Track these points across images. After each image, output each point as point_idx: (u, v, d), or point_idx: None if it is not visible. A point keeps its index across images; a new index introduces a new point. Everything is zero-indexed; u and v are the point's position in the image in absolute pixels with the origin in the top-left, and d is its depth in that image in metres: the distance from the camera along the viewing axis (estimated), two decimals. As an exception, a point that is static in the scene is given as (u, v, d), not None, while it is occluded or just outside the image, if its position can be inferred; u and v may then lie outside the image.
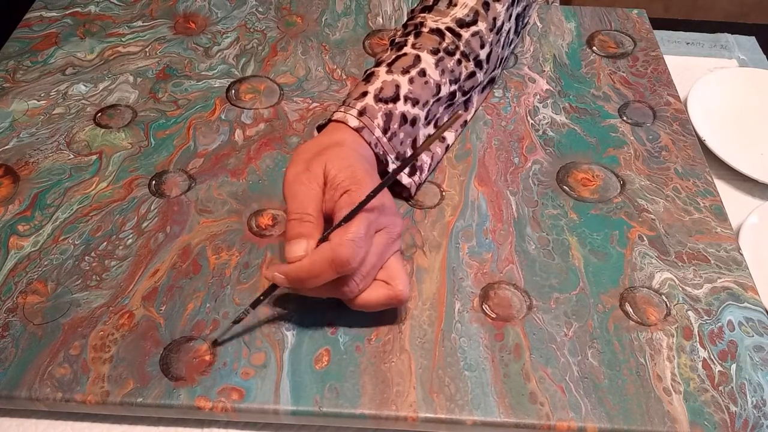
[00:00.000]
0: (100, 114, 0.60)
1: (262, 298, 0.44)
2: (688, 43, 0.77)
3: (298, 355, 0.44)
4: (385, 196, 0.45)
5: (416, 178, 0.53)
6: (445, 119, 0.58)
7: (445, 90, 0.54)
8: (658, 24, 0.75)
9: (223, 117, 0.60)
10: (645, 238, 0.52)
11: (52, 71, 0.63)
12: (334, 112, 0.51)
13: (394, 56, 0.54)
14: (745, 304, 0.48)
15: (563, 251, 0.51)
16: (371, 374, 0.44)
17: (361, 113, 0.50)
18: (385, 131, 0.50)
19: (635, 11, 0.73)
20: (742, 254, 0.51)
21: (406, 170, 0.52)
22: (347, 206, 0.42)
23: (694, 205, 0.54)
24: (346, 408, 0.42)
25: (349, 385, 0.43)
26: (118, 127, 0.59)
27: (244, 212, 0.53)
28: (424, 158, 0.54)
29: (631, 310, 0.48)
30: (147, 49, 0.66)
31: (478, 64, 0.57)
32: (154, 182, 0.54)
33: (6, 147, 0.57)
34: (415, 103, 0.52)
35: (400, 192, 0.54)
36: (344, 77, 0.64)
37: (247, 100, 0.61)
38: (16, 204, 0.53)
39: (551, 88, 0.64)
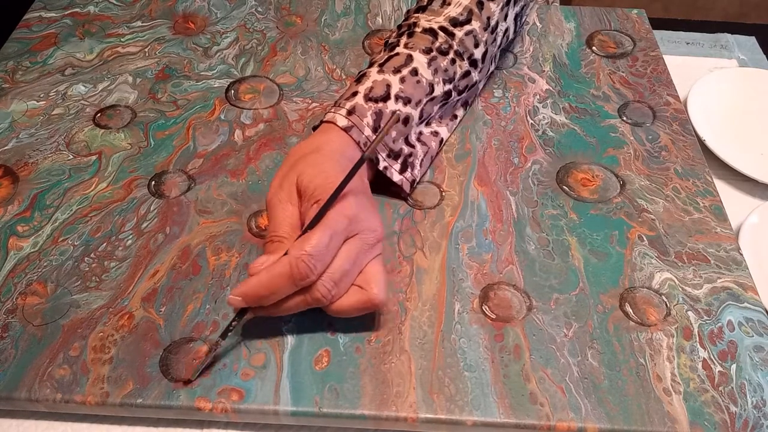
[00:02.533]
0: (99, 114, 0.60)
1: (231, 327, 0.43)
2: (688, 43, 0.77)
3: (298, 355, 0.44)
4: (361, 200, 0.44)
5: (408, 174, 0.53)
6: (440, 118, 0.57)
7: (438, 89, 0.54)
8: (658, 24, 0.75)
9: (222, 117, 0.60)
10: (645, 238, 0.52)
11: (51, 72, 0.63)
12: (325, 113, 0.51)
13: (386, 56, 0.54)
14: (745, 304, 0.48)
15: (563, 251, 0.51)
16: (371, 375, 0.44)
17: (350, 112, 0.50)
18: (375, 130, 0.50)
19: (635, 11, 0.73)
20: (741, 254, 0.51)
21: (397, 167, 0.52)
22: None
23: (693, 205, 0.54)
24: (346, 409, 0.42)
25: (349, 386, 0.43)
26: (117, 128, 0.59)
27: (244, 213, 0.53)
28: (418, 152, 0.54)
29: (631, 310, 0.48)
30: (146, 50, 0.66)
31: (473, 63, 0.57)
32: (153, 183, 0.54)
33: (5, 148, 0.57)
34: (407, 102, 0.52)
35: (398, 192, 0.53)
36: (344, 77, 0.64)
37: (247, 100, 0.61)
38: (15, 205, 0.53)
39: (551, 88, 0.63)
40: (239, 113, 0.60)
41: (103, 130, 0.58)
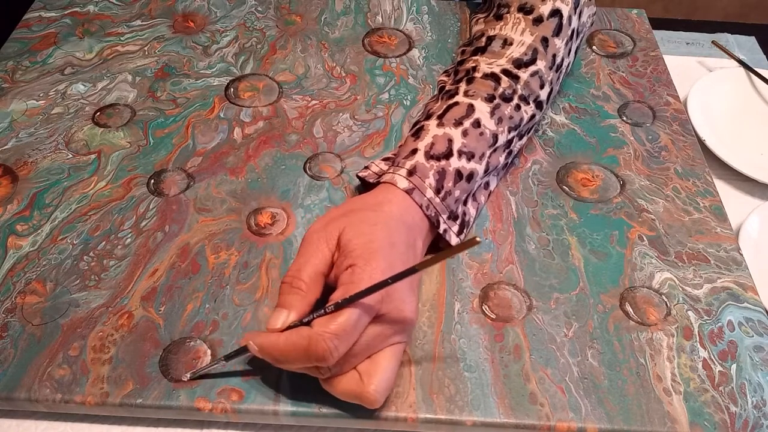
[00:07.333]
0: (98, 113, 0.60)
1: (237, 354, 0.42)
2: (688, 43, 0.77)
3: (298, 355, 0.44)
4: (402, 281, 0.39)
5: (463, 236, 0.50)
6: (503, 164, 0.54)
7: (502, 138, 0.51)
8: (658, 24, 0.75)
9: (222, 115, 0.60)
10: (645, 238, 0.52)
11: (50, 71, 0.63)
12: (384, 172, 0.49)
13: (444, 106, 0.50)
14: (745, 305, 0.48)
15: (563, 251, 0.51)
16: (371, 375, 0.43)
17: (411, 173, 0.46)
18: (437, 191, 0.47)
19: (635, 11, 0.73)
20: (741, 254, 0.51)
21: (455, 228, 0.49)
22: (347, 283, 0.39)
23: (693, 205, 0.54)
24: (345, 409, 0.42)
25: (349, 386, 0.43)
26: (116, 126, 0.58)
27: (243, 210, 0.52)
28: (471, 211, 0.51)
29: (631, 310, 0.47)
30: (146, 48, 0.66)
31: (539, 105, 0.54)
32: (152, 181, 0.54)
33: (5, 147, 0.57)
34: (471, 157, 0.48)
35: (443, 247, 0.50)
36: (343, 75, 0.64)
37: (246, 98, 0.61)
38: (14, 204, 0.52)
39: (551, 88, 0.63)
40: (239, 111, 0.60)
41: (102, 129, 0.58)
